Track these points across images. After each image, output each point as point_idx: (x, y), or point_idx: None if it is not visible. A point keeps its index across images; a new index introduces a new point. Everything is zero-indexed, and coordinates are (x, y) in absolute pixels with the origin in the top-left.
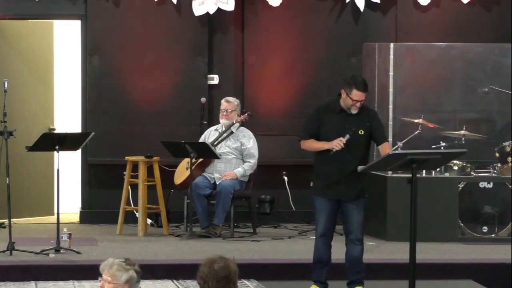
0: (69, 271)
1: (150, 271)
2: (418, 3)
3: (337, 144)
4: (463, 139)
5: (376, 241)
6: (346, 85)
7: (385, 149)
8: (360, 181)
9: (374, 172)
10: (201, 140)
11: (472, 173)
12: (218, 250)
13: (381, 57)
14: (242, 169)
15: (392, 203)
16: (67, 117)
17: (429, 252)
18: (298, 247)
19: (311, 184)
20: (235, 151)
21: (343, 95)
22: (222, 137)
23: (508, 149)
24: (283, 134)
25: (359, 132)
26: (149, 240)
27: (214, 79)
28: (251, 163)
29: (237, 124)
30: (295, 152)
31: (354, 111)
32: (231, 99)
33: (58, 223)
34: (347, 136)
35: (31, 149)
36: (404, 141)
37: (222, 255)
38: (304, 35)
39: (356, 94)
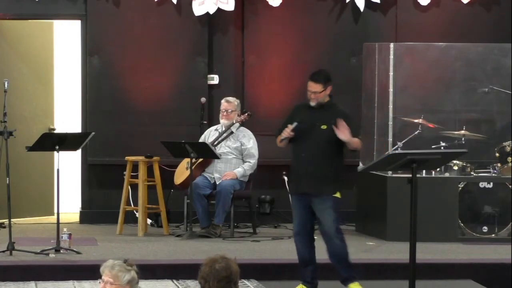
0: (69, 271)
1: (150, 271)
2: (418, 3)
3: (285, 131)
4: (463, 139)
5: (376, 241)
6: None
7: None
8: (326, 176)
9: (374, 172)
10: (201, 140)
11: (472, 173)
12: (218, 250)
13: (381, 57)
14: (242, 169)
15: (392, 203)
16: (67, 117)
17: (429, 252)
18: None
19: None
20: (235, 151)
21: None
22: (222, 137)
23: (508, 149)
24: None
25: (321, 127)
26: (149, 240)
27: (214, 79)
28: (251, 163)
29: (237, 124)
30: None
31: (312, 103)
32: (231, 99)
33: (58, 223)
34: (295, 124)
35: (31, 149)
36: (404, 141)
37: (224, 255)
38: (304, 35)
39: (308, 84)
